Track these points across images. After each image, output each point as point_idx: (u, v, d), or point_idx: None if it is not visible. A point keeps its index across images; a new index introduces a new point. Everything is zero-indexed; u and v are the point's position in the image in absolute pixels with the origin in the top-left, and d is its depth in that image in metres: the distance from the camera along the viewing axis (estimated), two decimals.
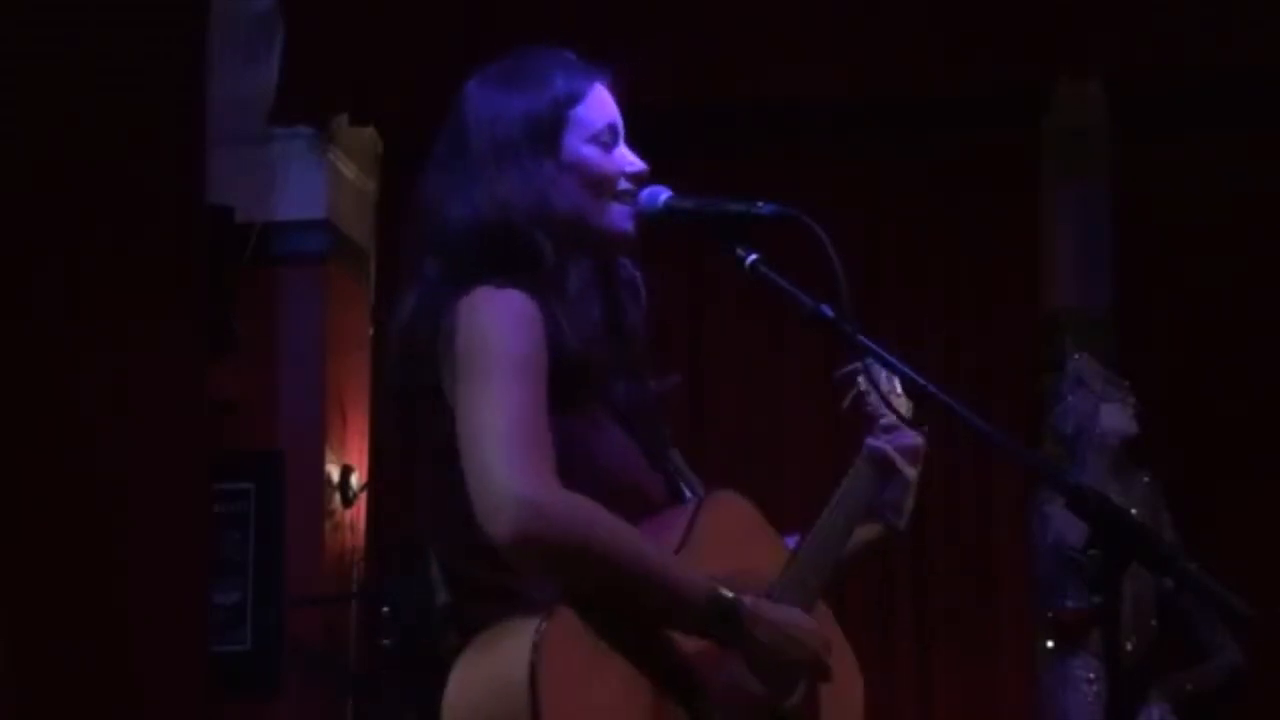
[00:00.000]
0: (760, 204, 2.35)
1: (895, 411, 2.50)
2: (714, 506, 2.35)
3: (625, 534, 2.17)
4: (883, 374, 2.54)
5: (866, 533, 2.56)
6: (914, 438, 2.54)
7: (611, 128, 2.41)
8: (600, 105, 2.42)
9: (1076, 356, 5.28)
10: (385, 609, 5.40)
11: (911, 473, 2.55)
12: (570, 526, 2.13)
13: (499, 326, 2.23)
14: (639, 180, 2.40)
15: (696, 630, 2.20)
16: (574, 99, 2.40)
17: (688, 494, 2.42)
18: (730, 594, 2.20)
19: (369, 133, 6.25)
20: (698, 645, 2.22)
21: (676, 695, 2.20)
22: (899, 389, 2.57)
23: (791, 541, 2.45)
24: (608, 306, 2.42)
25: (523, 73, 2.43)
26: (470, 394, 2.20)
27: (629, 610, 2.18)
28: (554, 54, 2.46)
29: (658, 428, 2.46)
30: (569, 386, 2.26)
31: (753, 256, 2.33)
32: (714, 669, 2.23)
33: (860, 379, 2.59)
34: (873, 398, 2.58)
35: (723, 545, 2.32)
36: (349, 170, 6.26)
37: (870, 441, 2.54)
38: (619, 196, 2.39)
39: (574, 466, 2.23)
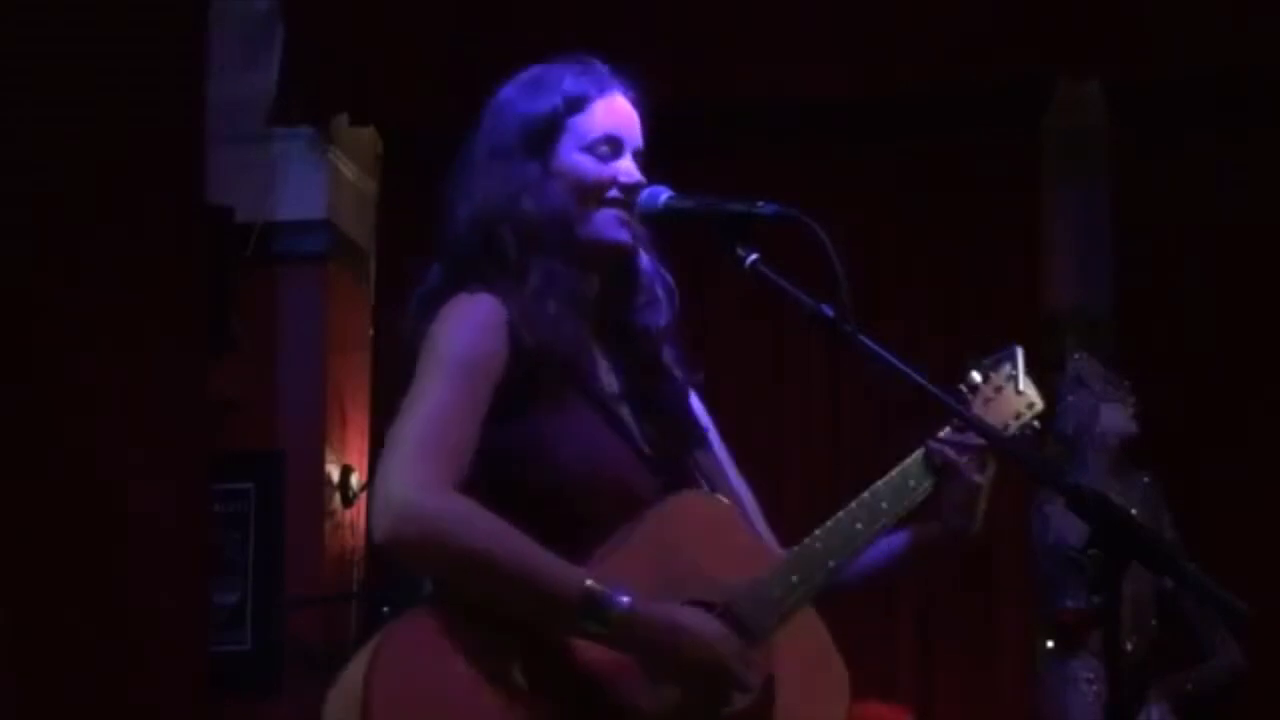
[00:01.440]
0: (760, 204, 2.35)
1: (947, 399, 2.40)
2: (675, 507, 2.33)
3: (497, 535, 2.17)
4: (1006, 367, 2.53)
5: (921, 535, 2.51)
6: (978, 440, 2.44)
7: (610, 138, 2.42)
8: (604, 116, 2.43)
9: (1076, 356, 5.28)
10: (385, 609, 5.40)
11: (978, 476, 2.48)
12: (435, 529, 2.15)
13: (449, 333, 2.28)
14: (632, 193, 2.40)
15: (564, 626, 2.19)
16: (576, 107, 2.42)
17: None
18: (602, 588, 2.17)
19: (369, 133, 6.25)
20: (610, 659, 2.20)
21: (570, 709, 2.18)
22: (1021, 385, 2.54)
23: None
24: (608, 307, 2.43)
25: (538, 79, 2.46)
26: (406, 397, 2.25)
27: (506, 611, 2.18)
28: (577, 62, 2.48)
29: (674, 427, 2.45)
30: (532, 383, 2.28)
31: (753, 256, 2.33)
32: (626, 682, 2.21)
33: (976, 373, 2.54)
34: (982, 394, 2.53)
35: (674, 546, 2.29)
36: (349, 170, 6.26)
37: (931, 443, 2.47)
38: (609, 203, 2.39)
39: (535, 464, 2.26)
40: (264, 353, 5.99)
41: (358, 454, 6.13)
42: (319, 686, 2.16)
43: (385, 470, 2.19)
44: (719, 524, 2.38)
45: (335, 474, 6.04)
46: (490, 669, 2.16)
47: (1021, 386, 2.56)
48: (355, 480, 6.08)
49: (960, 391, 2.54)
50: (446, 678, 2.14)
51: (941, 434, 2.48)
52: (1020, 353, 2.57)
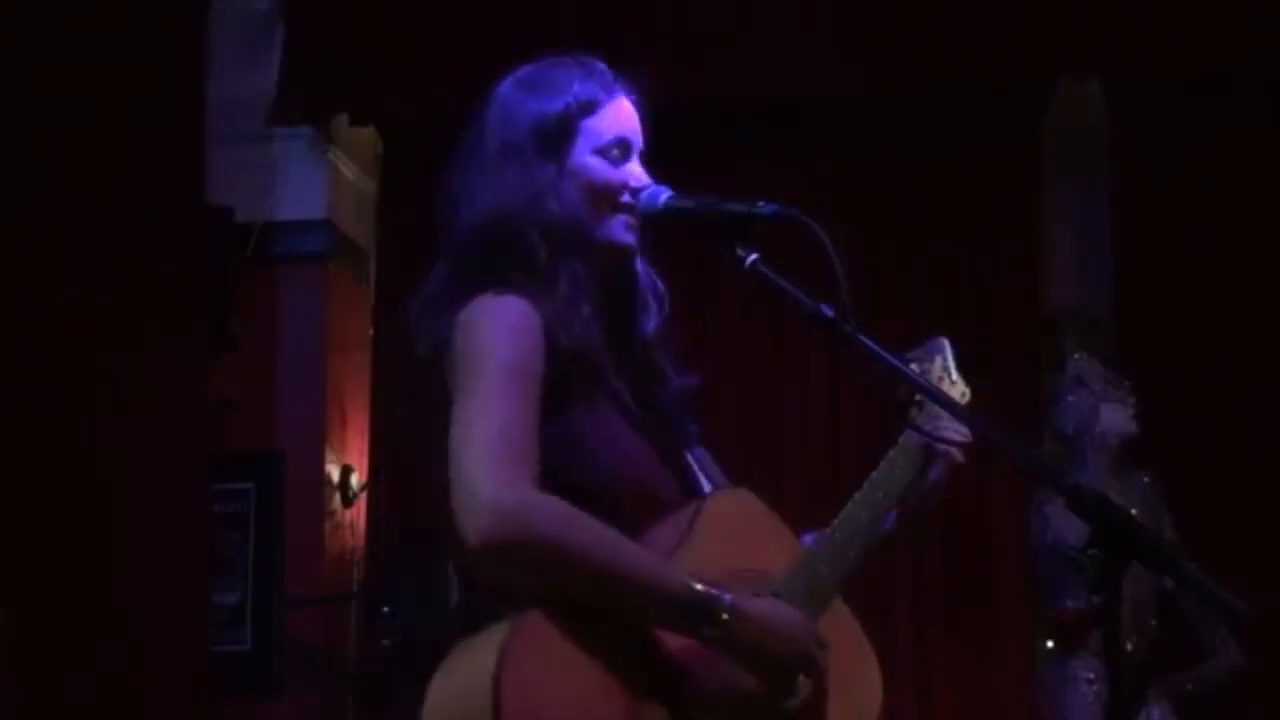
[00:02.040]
0: (760, 204, 2.35)
1: (945, 399, 2.46)
2: (718, 504, 2.35)
3: (598, 534, 2.17)
4: (939, 360, 2.60)
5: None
6: (957, 426, 2.49)
7: (622, 142, 2.42)
8: (615, 119, 2.43)
9: (1076, 356, 5.28)
10: (385, 609, 5.40)
11: (943, 468, 2.53)
12: (537, 528, 2.14)
13: (490, 335, 2.26)
14: (639, 195, 2.41)
15: (676, 627, 2.19)
16: (588, 109, 2.41)
17: (707, 492, 2.42)
18: (708, 589, 2.18)
19: (369, 133, 6.25)
20: (688, 645, 2.21)
21: (659, 696, 2.19)
22: (954, 376, 2.62)
23: (809, 538, 2.44)
24: (611, 309, 2.44)
25: (545, 78, 2.45)
26: (460, 403, 2.23)
27: (608, 611, 2.17)
28: (582, 62, 2.47)
29: (677, 426, 2.46)
30: (566, 385, 2.28)
31: (753, 256, 2.33)
32: (705, 668, 2.22)
33: (914, 365, 2.59)
34: (929, 382, 2.58)
35: (725, 543, 2.31)
36: (349, 170, 6.26)
37: (912, 431, 2.51)
38: (620, 209, 2.40)
39: (574, 465, 2.26)
40: (264, 353, 5.99)
41: (358, 454, 6.13)
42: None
43: (465, 476, 2.16)
44: (755, 518, 2.40)
45: (335, 474, 6.04)
46: (608, 674, 2.15)
47: (954, 378, 2.63)
48: (355, 480, 6.08)
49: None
50: (574, 684, 2.13)
51: (920, 423, 2.52)
52: (948, 344, 2.63)
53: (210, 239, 5.60)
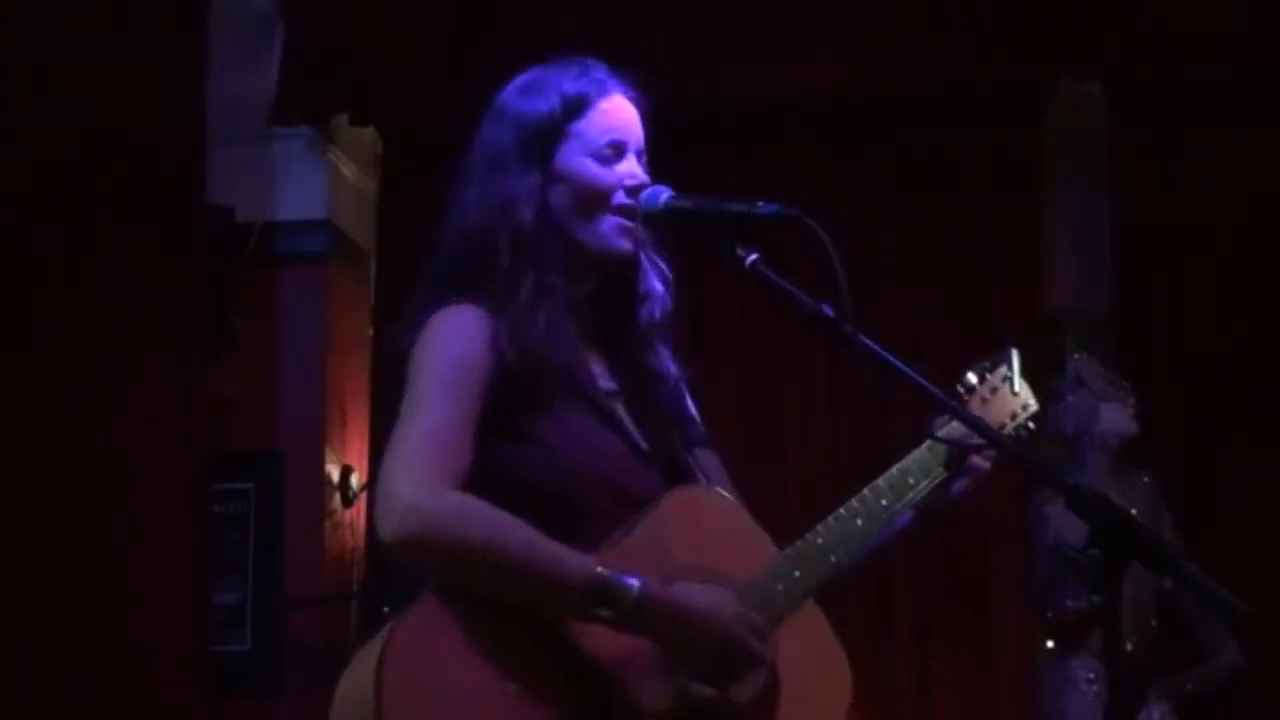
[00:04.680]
0: (760, 204, 2.35)
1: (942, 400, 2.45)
2: (676, 502, 2.34)
3: (501, 527, 2.18)
4: (1002, 369, 2.60)
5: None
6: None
7: (615, 144, 2.41)
8: (607, 120, 2.42)
9: (1076, 356, 5.28)
10: (385, 609, 5.40)
11: (970, 479, 2.54)
12: (440, 524, 2.17)
13: (435, 345, 2.30)
14: (636, 194, 2.40)
15: (582, 616, 2.19)
16: (577, 111, 2.41)
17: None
18: (615, 574, 2.18)
19: (369, 133, 6.25)
20: (616, 639, 2.21)
21: (570, 689, 2.19)
22: (1016, 387, 2.60)
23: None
24: (605, 309, 2.43)
25: (537, 83, 2.45)
26: (400, 410, 2.27)
27: (513, 601, 2.19)
28: (575, 64, 2.47)
29: (670, 425, 2.45)
30: (521, 391, 2.29)
31: (753, 256, 2.33)
32: (628, 666, 2.22)
33: (972, 375, 2.59)
34: (978, 394, 2.58)
35: (680, 540, 2.30)
36: (349, 170, 6.26)
37: (937, 439, 2.49)
38: (613, 210, 2.39)
39: (526, 469, 2.27)
40: (264, 353, 5.99)
41: (358, 454, 6.13)
42: (319, 686, 2.17)
43: (385, 474, 2.21)
44: (721, 518, 2.39)
45: (335, 474, 6.04)
46: (502, 665, 2.16)
47: (1017, 388, 2.62)
48: (355, 480, 6.08)
49: (957, 392, 2.58)
50: (458, 675, 2.14)
51: (941, 433, 2.49)
52: (1016, 354, 2.63)
53: (210, 239, 5.60)
